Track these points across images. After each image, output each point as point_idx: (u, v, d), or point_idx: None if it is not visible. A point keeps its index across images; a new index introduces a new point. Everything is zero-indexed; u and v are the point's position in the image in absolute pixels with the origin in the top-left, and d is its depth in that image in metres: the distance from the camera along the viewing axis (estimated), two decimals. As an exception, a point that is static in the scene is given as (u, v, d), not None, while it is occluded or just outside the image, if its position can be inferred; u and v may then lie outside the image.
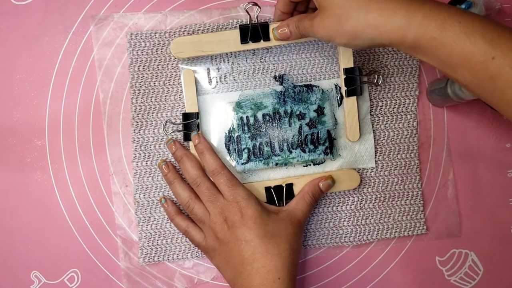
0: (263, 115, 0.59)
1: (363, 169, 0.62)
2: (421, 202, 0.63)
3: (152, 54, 0.60)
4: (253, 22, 0.56)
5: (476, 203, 0.64)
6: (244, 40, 0.57)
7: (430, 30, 0.43)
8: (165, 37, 0.60)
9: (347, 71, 0.59)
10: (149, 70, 0.60)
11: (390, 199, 0.63)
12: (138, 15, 0.60)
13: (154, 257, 0.60)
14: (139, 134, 0.60)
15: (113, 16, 0.60)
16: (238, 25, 0.60)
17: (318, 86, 0.60)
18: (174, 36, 0.60)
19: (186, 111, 0.58)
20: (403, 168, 0.63)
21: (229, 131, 0.59)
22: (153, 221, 0.60)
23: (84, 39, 0.60)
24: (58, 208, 0.60)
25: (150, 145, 0.60)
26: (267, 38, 0.57)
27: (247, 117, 0.59)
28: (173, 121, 0.60)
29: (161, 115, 0.60)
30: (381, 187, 0.63)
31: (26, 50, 0.60)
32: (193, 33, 0.60)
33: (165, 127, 0.59)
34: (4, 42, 0.60)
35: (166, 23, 0.60)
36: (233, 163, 0.59)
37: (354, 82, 0.59)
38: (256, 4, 0.57)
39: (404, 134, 0.63)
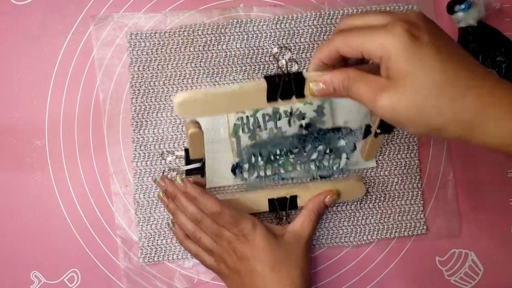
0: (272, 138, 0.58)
1: (363, 169, 0.62)
2: (421, 202, 0.63)
3: (152, 54, 0.60)
4: (284, 73, 0.42)
5: (476, 203, 0.64)
6: (272, 98, 0.43)
7: None
8: (165, 37, 0.60)
9: None
10: (149, 70, 0.60)
11: (390, 199, 0.63)
12: (138, 15, 0.60)
13: (154, 257, 0.60)
14: (139, 134, 0.60)
15: (113, 16, 0.60)
16: (263, 77, 0.45)
17: (348, 128, 0.58)
18: (174, 36, 0.60)
19: (191, 158, 0.51)
20: (403, 168, 0.63)
21: (237, 163, 0.58)
22: (153, 221, 0.60)
23: (84, 39, 0.60)
24: (58, 208, 0.60)
25: (150, 145, 0.60)
26: (300, 95, 0.42)
27: (254, 139, 0.58)
28: (176, 153, 0.58)
29: (161, 115, 0.60)
30: (381, 187, 0.62)
31: (26, 50, 0.60)
32: (193, 33, 0.60)
33: (164, 173, 0.57)
34: (4, 42, 0.60)
35: (166, 23, 0.60)
36: (238, 181, 0.59)
37: (389, 125, 0.52)
38: (286, 47, 0.45)
39: (404, 134, 0.63)
